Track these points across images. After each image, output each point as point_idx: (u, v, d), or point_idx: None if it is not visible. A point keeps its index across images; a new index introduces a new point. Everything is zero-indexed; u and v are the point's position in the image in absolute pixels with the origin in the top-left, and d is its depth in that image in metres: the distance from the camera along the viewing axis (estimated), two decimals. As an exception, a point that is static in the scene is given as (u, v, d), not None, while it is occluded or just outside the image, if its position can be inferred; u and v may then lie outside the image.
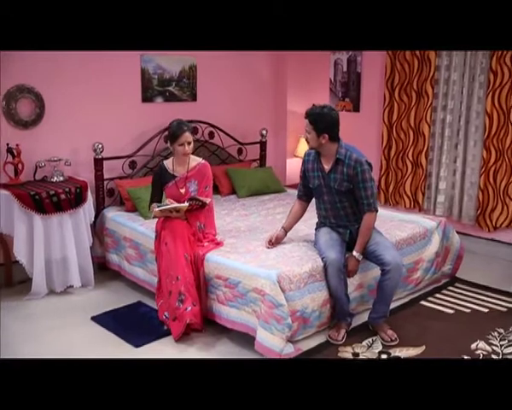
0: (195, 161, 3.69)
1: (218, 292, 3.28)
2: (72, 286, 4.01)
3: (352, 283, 3.44)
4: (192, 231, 3.49)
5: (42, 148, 4.20)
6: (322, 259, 3.24)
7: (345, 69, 5.76)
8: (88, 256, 4.09)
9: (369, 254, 3.32)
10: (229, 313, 3.22)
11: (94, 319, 3.58)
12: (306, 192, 3.55)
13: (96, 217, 4.33)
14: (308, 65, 5.89)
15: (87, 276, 4.10)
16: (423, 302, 3.83)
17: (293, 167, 5.97)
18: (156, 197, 3.64)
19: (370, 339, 3.29)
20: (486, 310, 3.69)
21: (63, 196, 3.88)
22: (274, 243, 3.46)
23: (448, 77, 4.91)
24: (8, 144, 3.94)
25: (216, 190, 5.03)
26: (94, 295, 4.02)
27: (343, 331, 3.28)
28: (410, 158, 5.24)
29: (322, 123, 3.23)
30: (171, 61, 4.94)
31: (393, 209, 4.72)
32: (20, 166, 4.02)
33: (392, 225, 3.97)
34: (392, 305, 3.68)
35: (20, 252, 3.81)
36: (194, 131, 5.04)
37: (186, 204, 3.42)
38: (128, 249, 4.03)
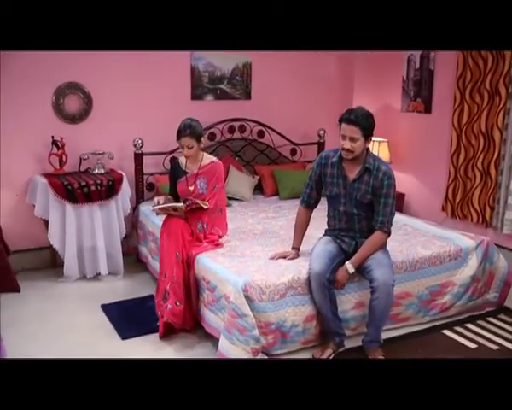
0: (209, 159, 3.65)
1: (204, 294, 3.22)
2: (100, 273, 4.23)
3: (350, 300, 3.15)
4: (190, 230, 3.46)
5: (88, 141, 4.47)
6: (308, 271, 3.01)
7: (417, 66, 5.27)
8: (118, 246, 4.27)
9: (363, 269, 3.01)
10: (209, 317, 3.15)
11: (103, 306, 3.74)
12: (316, 199, 3.31)
13: (134, 209, 4.52)
14: (379, 63, 5.49)
15: (116, 265, 4.29)
16: (446, 331, 3.37)
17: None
18: (171, 191, 3.69)
19: (360, 364, 2.97)
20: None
21: (93, 188, 4.10)
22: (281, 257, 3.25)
23: (525, 75, 4.25)
24: (53, 137, 4.26)
25: (260, 189, 4.97)
26: (119, 285, 4.19)
27: (328, 352, 3.02)
28: (479, 167, 4.62)
29: (371, 126, 3.00)
30: (223, 59, 4.94)
31: (432, 223, 4.20)
32: (63, 157, 4.33)
33: (417, 242, 3.56)
34: (407, 330, 3.37)
35: (53, 237, 4.12)
36: (242, 130, 5.02)
37: (181, 204, 3.41)
38: (151, 243, 4.13)
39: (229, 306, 2.85)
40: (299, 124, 5.37)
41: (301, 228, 3.31)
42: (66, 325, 3.49)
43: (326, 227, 3.33)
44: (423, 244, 3.50)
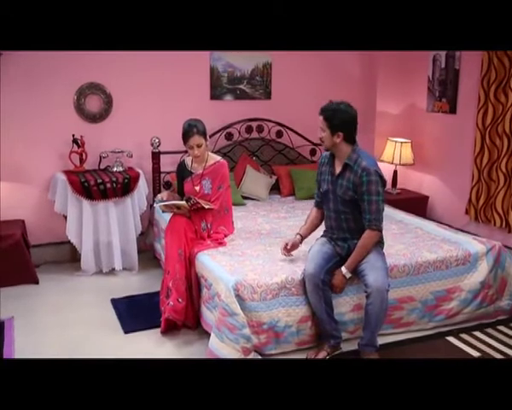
0: (214, 159, 3.69)
1: (203, 292, 3.26)
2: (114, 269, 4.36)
3: (349, 302, 3.12)
4: (193, 228, 3.51)
5: (108, 140, 4.61)
6: (303, 271, 3.00)
7: (443, 66, 5.13)
8: (133, 243, 4.38)
9: (358, 272, 2.97)
10: (206, 314, 3.19)
11: (112, 301, 3.84)
12: (323, 198, 3.29)
13: (151, 207, 4.62)
14: (404, 62, 5.38)
15: (131, 261, 4.40)
16: (451, 338, 3.27)
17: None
18: (179, 191, 3.76)
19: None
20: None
21: (108, 185, 4.22)
22: (290, 249, 3.23)
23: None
24: (73, 135, 4.42)
25: (277, 189, 4.97)
26: (133, 280, 4.30)
27: (323, 354, 2.99)
28: (503, 169, 4.45)
29: (338, 119, 2.95)
30: (242, 60, 4.97)
31: (444, 226, 4.06)
32: (83, 155, 4.48)
33: (424, 245, 3.47)
34: (409, 335, 3.31)
35: (71, 232, 4.27)
36: (259, 130, 5.03)
37: (184, 202, 3.46)
38: (163, 240, 4.20)
39: (220, 304, 2.88)
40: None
41: (311, 221, 3.29)
42: (75, 317, 3.61)
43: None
44: (429, 248, 3.41)
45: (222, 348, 2.81)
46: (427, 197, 5.34)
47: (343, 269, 2.97)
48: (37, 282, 4.17)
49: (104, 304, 3.82)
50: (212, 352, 2.86)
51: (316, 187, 3.30)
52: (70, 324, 3.51)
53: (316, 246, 3.13)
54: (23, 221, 4.44)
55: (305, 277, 2.96)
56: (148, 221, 4.65)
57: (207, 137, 3.59)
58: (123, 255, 4.36)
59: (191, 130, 3.48)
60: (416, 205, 5.19)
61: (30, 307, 3.74)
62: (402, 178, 5.50)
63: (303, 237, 3.28)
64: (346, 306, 3.11)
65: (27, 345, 3.22)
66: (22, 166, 4.42)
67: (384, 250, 3.25)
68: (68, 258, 4.64)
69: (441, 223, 5.04)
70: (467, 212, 4.90)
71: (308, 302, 3.00)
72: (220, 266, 3.10)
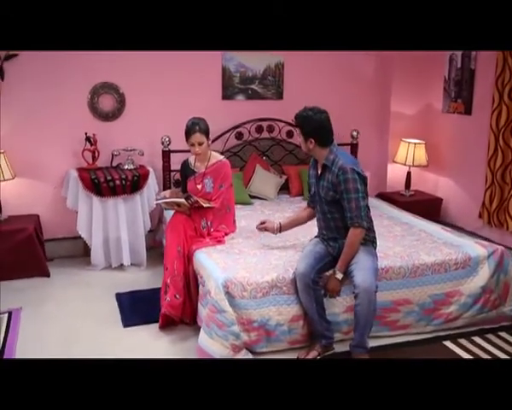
0: (216, 158, 3.73)
1: (200, 289, 3.30)
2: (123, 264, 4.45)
3: (342, 303, 3.11)
4: (193, 226, 3.56)
5: (120, 138, 4.71)
6: (294, 271, 3.02)
7: (459, 66, 5.03)
8: (141, 239, 4.48)
9: (348, 273, 2.96)
10: (200, 311, 3.23)
11: (117, 295, 3.94)
12: (313, 200, 3.31)
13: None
14: (420, 62, 5.28)
15: (139, 257, 4.50)
16: (448, 343, 3.22)
17: (395, 175, 5.48)
18: (183, 190, 3.82)
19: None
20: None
21: (118, 182, 4.32)
22: (262, 226, 3.45)
23: None
24: (86, 133, 4.54)
25: (287, 189, 4.98)
26: (141, 275, 4.39)
27: (314, 354, 3.00)
28: (516, 172, 4.35)
29: (309, 126, 3.01)
30: (254, 60, 4.99)
31: (448, 229, 3.96)
32: (96, 153, 4.59)
33: (424, 248, 3.42)
34: (405, 338, 3.27)
35: (82, 228, 4.39)
36: (270, 130, 5.05)
37: (183, 200, 3.51)
38: (169, 237, 4.28)
39: (210, 300, 2.92)
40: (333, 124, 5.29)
41: (296, 216, 3.47)
42: (79, 310, 3.72)
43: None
44: (428, 251, 3.37)
45: (211, 344, 2.85)
46: (440, 200, 5.26)
47: (335, 271, 2.97)
48: (48, 275, 4.30)
49: (109, 298, 3.91)
50: (201, 348, 2.91)
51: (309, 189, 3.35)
52: (73, 315, 3.63)
53: (309, 246, 3.15)
54: (38, 216, 4.59)
55: (295, 276, 2.97)
56: (158, 218, 4.74)
57: (209, 136, 3.64)
58: (131, 251, 4.45)
59: (193, 128, 3.54)
60: (430, 207, 5.12)
61: (38, 299, 3.88)
62: (416, 179, 5.43)
63: (281, 228, 3.39)
64: (339, 307, 3.11)
65: (30, 334, 3.35)
66: (38, 163, 4.57)
67: (382, 252, 3.25)
68: (81, 253, 4.76)
69: (454, 226, 4.97)
70: (480, 215, 4.80)
71: (300, 302, 3.01)
72: (214, 264, 3.15)
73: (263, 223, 3.44)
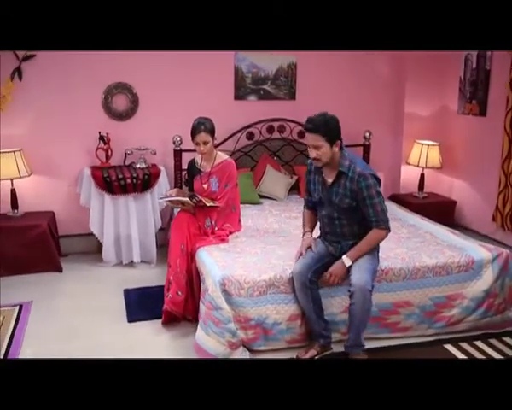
0: (221, 158, 3.77)
1: (202, 286, 3.34)
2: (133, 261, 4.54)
3: (340, 303, 3.12)
4: (197, 224, 3.61)
5: (133, 137, 4.80)
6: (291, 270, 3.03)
7: (474, 66, 4.96)
8: (152, 237, 4.55)
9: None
10: (201, 308, 3.27)
11: (125, 291, 4.02)
12: (315, 202, 3.27)
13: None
14: (435, 62, 5.22)
15: (149, 254, 4.58)
16: (449, 346, 3.18)
17: (409, 177, 5.43)
18: (190, 189, 3.88)
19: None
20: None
21: (129, 181, 4.41)
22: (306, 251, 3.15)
23: None
24: (100, 132, 4.65)
25: (297, 189, 4.99)
26: (150, 272, 4.46)
27: (312, 353, 3.01)
28: (530, 175, 4.26)
29: (334, 130, 2.94)
30: (266, 60, 5.02)
31: (455, 231, 3.91)
32: (109, 151, 4.70)
33: (426, 250, 3.39)
34: (406, 341, 3.26)
35: (94, 225, 4.50)
36: (281, 130, 5.07)
37: (187, 199, 3.56)
38: (178, 235, 4.34)
39: (207, 298, 2.96)
40: (343, 125, 5.12)
41: (309, 217, 3.28)
42: (87, 305, 3.81)
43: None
44: (431, 253, 3.34)
45: (207, 341, 2.90)
46: (454, 202, 5.19)
47: (344, 257, 2.96)
48: (60, 270, 4.42)
49: (117, 294, 4.00)
50: (198, 345, 2.95)
51: (306, 193, 3.31)
52: (80, 310, 3.72)
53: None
54: (53, 213, 4.72)
55: (292, 275, 2.99)
56: (169, 217, 4.81)
57: (215, 135, 3.68)
58: (141, 248, 4.53)
59: (199, 127, 3.60)
60: (443, 210, 5.05)
61: (49, 293, 3.99)
62: (431, 181, 5.37)
63: (312, 230, 3.26)
64: (337, 307, 3.11)
65: (37, 327, 3.45)
66: (53, 161, 4.69)
67: (383, 253, 3.23)
68: (95, 249, 4.86)
69: (467, 229, 4.91)
70: (494, 218, 4.72)
71: (298, 301, 3.02)
72: (214, 262, 3.19)
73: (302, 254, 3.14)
